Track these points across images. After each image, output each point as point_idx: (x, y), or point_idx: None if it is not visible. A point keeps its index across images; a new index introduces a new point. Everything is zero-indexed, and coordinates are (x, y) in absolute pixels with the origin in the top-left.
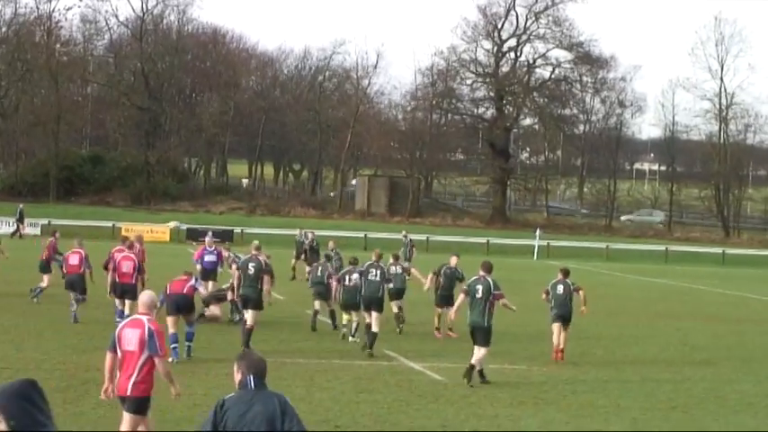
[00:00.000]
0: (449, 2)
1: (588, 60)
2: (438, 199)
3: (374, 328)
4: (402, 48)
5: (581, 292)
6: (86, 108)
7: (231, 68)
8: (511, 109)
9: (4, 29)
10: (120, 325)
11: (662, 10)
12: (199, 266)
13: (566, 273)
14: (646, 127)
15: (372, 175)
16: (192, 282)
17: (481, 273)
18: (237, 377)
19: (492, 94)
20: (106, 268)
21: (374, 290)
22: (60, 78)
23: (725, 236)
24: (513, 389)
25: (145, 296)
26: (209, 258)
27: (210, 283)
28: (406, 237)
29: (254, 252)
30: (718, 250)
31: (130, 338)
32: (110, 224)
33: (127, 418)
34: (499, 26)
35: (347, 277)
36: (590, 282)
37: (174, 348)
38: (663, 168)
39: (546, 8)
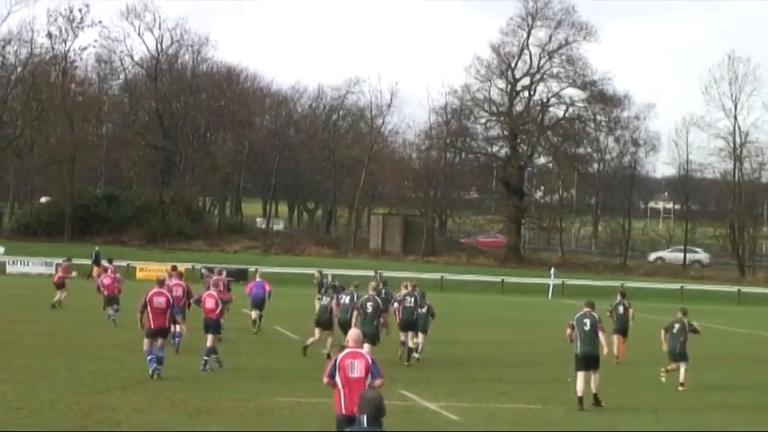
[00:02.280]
0: (462, 41)
1: (602, 99)
2: (453, 238)
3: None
4: (416, 86)
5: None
6: (101, 147)
7: (245, 107)
8: (525, 148)
9: (19, 69)
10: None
11: (675, 49)
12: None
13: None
14: (660, 165)
15: (387, 214)
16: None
17: (586, 309)
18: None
19: (506, 132)
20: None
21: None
22: (75, 118)
23: (740, 275)
24: (529, 427)
25: (354, 333)
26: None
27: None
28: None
29: (371, 293)
30: (734, 289)
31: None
32: (124, 263)
33: None
34: (513, 65)
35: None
36: (604, 321)
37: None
38: (677, 207)
39: (559, 47)
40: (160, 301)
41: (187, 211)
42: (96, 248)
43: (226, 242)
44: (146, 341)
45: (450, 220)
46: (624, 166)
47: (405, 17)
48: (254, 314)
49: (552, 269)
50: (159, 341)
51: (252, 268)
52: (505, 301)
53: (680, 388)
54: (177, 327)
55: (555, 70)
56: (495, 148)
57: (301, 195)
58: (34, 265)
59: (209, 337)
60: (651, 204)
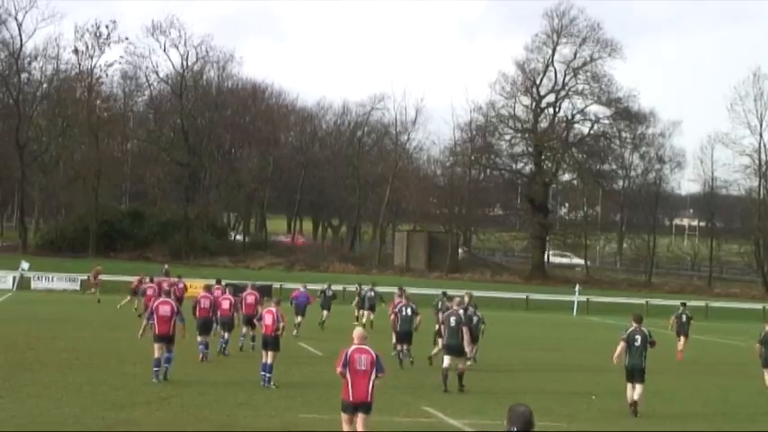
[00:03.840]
0: (487, 58)
1: (627, 116)
2: (477, 254)
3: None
4: (441, 103)
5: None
6: (126, 163)
7: (270, 124)
8: (549, 164)
9: (45, 85)
10: (351, 350)
11: (701, 66)
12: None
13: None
14: (685, 182)
15: (411, 231)
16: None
17: (634, 324)
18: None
19: (530, 149)
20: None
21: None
22: (100, 134)
23: (765, 292)
24: None
25: (358, 331)
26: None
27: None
28: (370, 288)
29: (455, 307)
30: (759, 306)
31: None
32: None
33: (362, 418)
34: (537, 82)
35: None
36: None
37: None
38: (702, 224)
39: (584, 64)
40: (165, 310)
41: (211, 227)
42: (166, 266)
43: (250, 258)
44: (155, 346)
45: (475, 237)
46: (649, 182)
47: (430, 33)
48: (298, 318)
49: (577, 286)
50: (164, 347)
51: (277, 284)
52: (530, 317)
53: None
54: (225, 334)
55: (580, 87)
56: (519, 165)
57: (326, 212)
58: (59, 281)
59: (270, 354)
60: (676, 221)
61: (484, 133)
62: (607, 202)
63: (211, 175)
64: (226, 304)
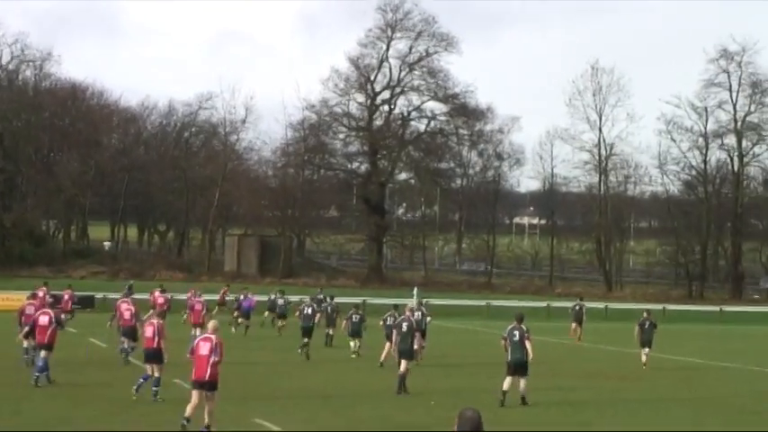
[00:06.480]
0: (326, 53)
1: (464, 112)
2: (311, 258)
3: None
4: (272, 101)
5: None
6: None
7: (92, 126)
8: (386, 163)
9: None
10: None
11: (540, 60)
12: None
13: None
14: (524, 180)
15: (242, 235)
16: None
17: (515, 322)
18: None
19: (366, 148)
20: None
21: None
22: None
23: (607, 290)
24: None
25: (211, 324)
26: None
27: None
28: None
29: (407, 313)
30: (601, 305)
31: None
32: None
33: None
34: (372, 78)
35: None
36: (470, 341)
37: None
38: (543, 222)
39: (420, 59)
40: (44, 319)
41: (29, 235)
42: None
43: (71, 267)
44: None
45: (309, 241)
46: (488, 180)
47: (263, 27)
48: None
49: (416, 289)
50: (43, 353)
51: (99, 295)
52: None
53: (643, 367)
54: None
55: (416, 83)
56: (354, 165)
57: (152, 217)
58: None
59: (155, 367)
60: (516, 220)
61: (317, 132)
62: (445, 202)
63: (28, 181)
64: (127, 314)
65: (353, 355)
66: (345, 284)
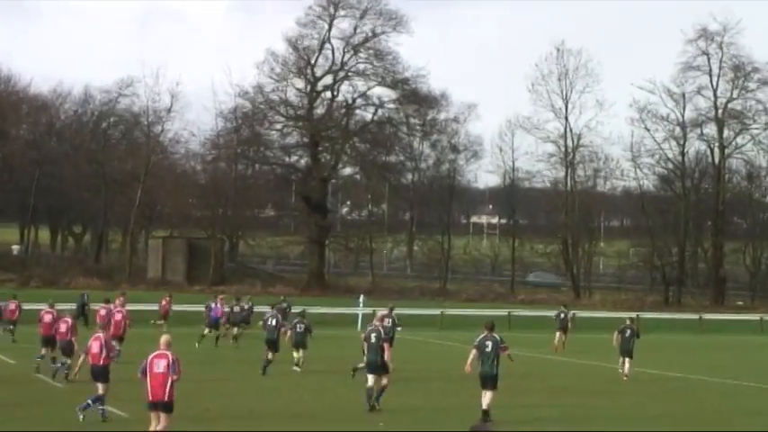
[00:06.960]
0: (256, 35)
1: (415, 99)
2: (246, 263)
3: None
4: (201, 87)
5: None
6: None
7: None
8: (328, 156)
9: None
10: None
11: (498, 41)
12: None
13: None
14: (483, 175)
15: (168, 237)
16: None
17: (486, 331)
18: None
19: (306, 139)
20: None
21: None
22: None
23: (575, 297)
24: None
25: (163, 338)
26: None
27: None
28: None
29: (376, 323)
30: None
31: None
32: None
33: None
34: (312, 62)
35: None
36: (423, 353)
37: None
38: (503, 221)
39: (365, 40)
40: None
41: None
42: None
43: None
44: None
45: (243, 243)
46: (442, 175)
47: (188, 2)
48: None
49: (361, 297)
50: None
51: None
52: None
53: (624, 378)
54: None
55: (361, 67)
56: (293, 158)
57: (66, 217)
58: None
59: (100, 385)
60: (474, 219)
61: (251, 122)
62: (395, 199)
63: None
64: (63, 327)
65: (295, 368)
66: (283, 292)
